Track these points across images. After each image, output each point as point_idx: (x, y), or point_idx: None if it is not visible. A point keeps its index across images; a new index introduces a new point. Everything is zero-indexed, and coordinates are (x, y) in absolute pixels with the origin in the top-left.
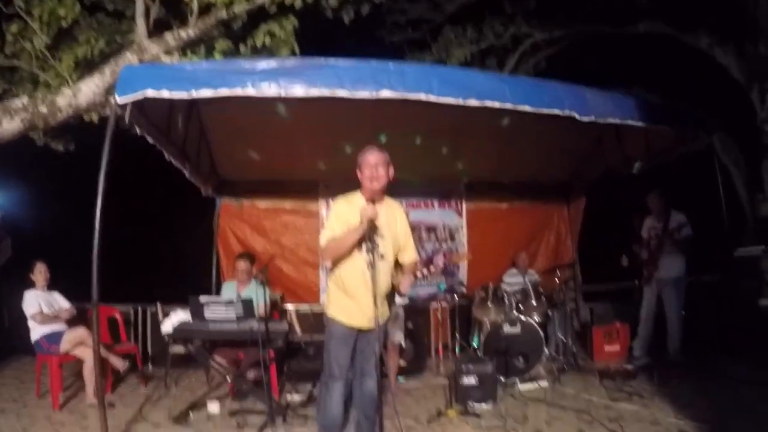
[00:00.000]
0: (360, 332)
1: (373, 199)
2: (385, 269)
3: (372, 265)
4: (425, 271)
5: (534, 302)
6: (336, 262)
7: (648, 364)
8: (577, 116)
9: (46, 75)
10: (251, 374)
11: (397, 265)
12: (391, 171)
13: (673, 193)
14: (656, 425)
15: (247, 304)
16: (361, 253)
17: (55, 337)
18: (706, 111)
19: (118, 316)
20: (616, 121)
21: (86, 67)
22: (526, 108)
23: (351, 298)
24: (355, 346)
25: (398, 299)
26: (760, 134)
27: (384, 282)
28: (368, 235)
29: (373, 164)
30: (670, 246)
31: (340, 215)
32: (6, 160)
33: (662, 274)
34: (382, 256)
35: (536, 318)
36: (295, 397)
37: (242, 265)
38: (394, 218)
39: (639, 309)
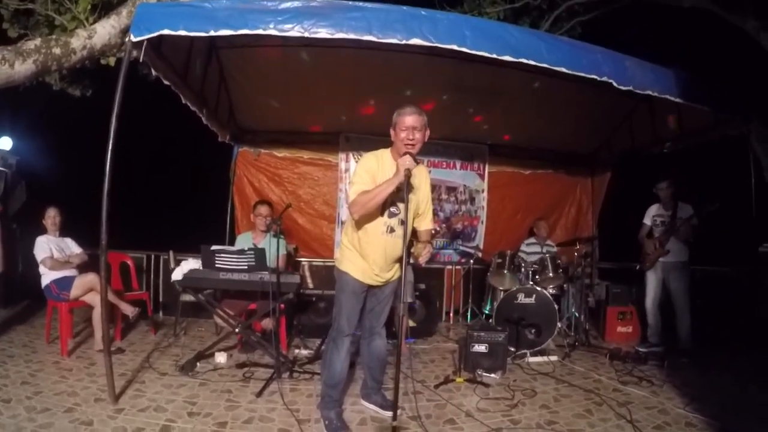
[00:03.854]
0: (370, 289)
1: None
2: (402, 235)
3: (391, 230)
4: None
5: (551, 274)
6: (361, 219)
7: (659, 350)
8: (615, 84)
9: (63, 18)
10: (261, 325)
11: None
12: (427, 134)
13: (703, 181)
14: (665, 414)
15: (259, 254)
16: (383, 216)
17: (65, 283)
18: (745, 97)
19: (129, 263)
20: (654, 93)
21: (103, 9)
22: (563, 70)
23: (365, 258)
24: (364, 305)
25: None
26: None
27: (400, 247)
28: (390, 199)
29: (410, 127)
30: (684, 231)
31: (369, 169)
32: (22, 106)
33: (670, 258)
34: (402, 222)
35: (551, 290)
36: (303, 352)
37: (262, 209)
38: (418, 184)
39: (643, 296)
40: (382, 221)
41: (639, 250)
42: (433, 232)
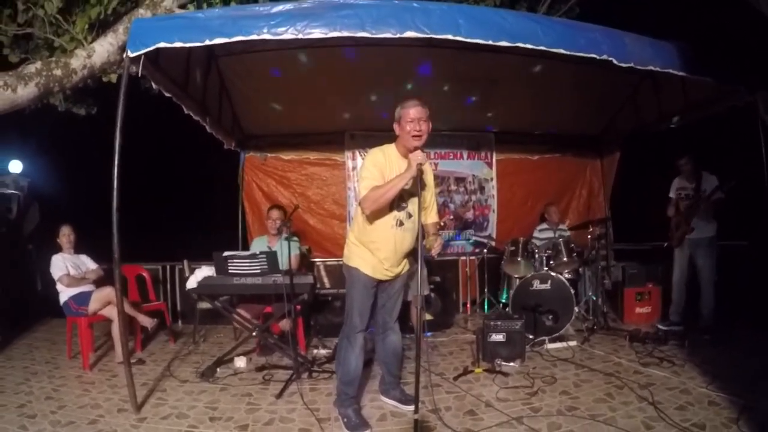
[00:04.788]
0: (380, 284)
1: (407, 155)
2: (411, 228)
3: (400, 223)
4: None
5: (565, 258)
6: (371, 214)
7: (680, 329)
8: (615, 61)
9: (61, 39)
10: (279, 327)
11: None
12: (430, 126)
13: (711, 154)
14: (687, 394)
15: (271, 257)
16: (392, 210)
17: (83, 298)
18: (749, 66)
19: (145, 275)
20: (656, 68)
21: (101, 27)
22: (561, 51)
23: (374, 253)
24: (376, 300)
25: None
26: None
27: (409, 240)
28: (399, 194)
29: (416, 118)
30: (705, 208)
31: (377, 163)
32: (30, 128)
33: (696, 235)
34: (410, 215)
35: (567, 275)
36: (321, 352)
37: (275, 213)
38: (425, 178)
39: (670, 273)
40: (392, 215)
41: (668, 225)
42: (441, 224)
